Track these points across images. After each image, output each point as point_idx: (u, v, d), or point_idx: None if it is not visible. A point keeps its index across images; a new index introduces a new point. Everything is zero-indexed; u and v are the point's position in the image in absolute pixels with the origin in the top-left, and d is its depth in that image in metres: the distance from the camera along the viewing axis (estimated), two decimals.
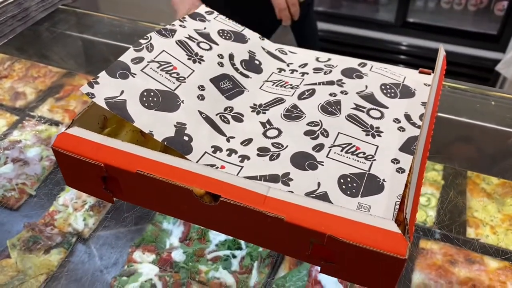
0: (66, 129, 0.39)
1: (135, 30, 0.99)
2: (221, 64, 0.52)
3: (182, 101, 0.45)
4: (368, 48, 2.21)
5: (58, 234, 0.68)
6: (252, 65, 0.54)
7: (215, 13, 0.59)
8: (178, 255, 0.67)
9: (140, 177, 0.36)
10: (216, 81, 0.50)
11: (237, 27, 0.58)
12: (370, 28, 2.18)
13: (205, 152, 0.41)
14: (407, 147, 0.43)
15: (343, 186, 0.38)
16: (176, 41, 0.51)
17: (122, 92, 0.44)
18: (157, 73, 0.47)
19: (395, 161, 0.42)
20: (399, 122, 0.46)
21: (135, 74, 0.46)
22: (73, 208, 0.71)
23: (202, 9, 0.59)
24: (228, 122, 0.46)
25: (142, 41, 0.50)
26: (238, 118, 0.48)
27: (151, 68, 0.47)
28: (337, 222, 0.33)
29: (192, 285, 0.63)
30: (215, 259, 0.66)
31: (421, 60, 2.03)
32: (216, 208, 0.35)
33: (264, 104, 0.49)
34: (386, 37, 2.10)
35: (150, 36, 0.50)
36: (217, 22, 0.58)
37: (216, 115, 0.47)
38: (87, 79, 0.92)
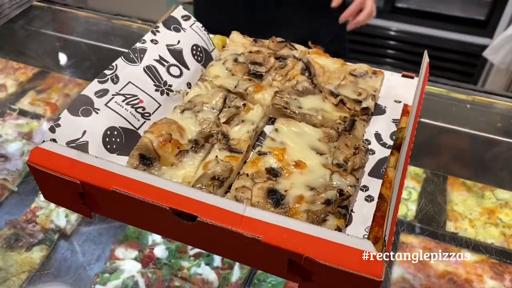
0: (40, 144, 0.39)
1: (112, 29, 0.98)
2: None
3: None
4: (357, 33, 2.18)
5: (40, 231, 0.68)
6: None
7: (192, 19, 0.55)
8: (160, 252, 0.67)
9: (116, 194, 0.36)
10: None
11: (209, 45, 0.56)
12: None
13: None
14: (377, 170, 0.43)
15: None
16: (144, 68, 0.48)
17: (84, 132, 0.42)
18: (122, 107, 0.45)
19: (364, 188, 0.42)
20: (369, 144, 0.46)
21: (99, 110, 0.43)
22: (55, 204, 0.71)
23: (179, 12, 0.55)
24: None
25: (107, 71, 0.47)
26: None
27: (115, 102, 0.45)
28: (314, 243, 0.33)
29: (175, 281, 0.64)
30: (197, 255, 0.66)
31: (410, 46, 2.01)
32: (193, 226, 0.35)
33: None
34: (375, 22, 2.07)
35: (116, 65, 0.47)
36: (192, 33, 0.54)
37: None
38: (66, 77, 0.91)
